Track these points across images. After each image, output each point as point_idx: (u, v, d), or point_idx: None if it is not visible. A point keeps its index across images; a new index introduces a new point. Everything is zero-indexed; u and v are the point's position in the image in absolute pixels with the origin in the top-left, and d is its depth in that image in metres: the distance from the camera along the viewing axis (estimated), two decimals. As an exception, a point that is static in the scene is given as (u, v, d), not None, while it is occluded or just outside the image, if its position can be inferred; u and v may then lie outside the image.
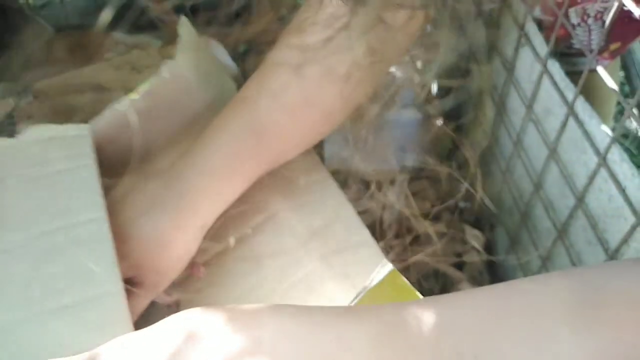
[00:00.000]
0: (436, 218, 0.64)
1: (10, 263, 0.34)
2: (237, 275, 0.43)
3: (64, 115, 0.55)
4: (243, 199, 0.45)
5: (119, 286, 0.34)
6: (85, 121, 0.45)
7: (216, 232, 0.44)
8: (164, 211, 0.40)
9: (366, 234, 0.44)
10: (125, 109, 0.44)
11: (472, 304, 0.25)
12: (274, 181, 0.47)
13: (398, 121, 0.66)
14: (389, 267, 0.29)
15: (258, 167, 0.44)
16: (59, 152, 0.40)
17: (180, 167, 0.41)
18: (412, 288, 0.31)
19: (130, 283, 0.38)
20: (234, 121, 0.42)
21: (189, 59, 0.47)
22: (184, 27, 0.48)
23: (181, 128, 0.48)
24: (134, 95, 0.44)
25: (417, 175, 0.64)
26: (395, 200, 0.65)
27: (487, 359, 0.23)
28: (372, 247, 0.43)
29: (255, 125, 0.42)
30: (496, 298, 0.25)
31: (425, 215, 0.61)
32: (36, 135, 0.41)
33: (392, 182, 0.65)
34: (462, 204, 0.71)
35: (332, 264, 0.42)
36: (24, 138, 0.41)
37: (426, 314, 0.25)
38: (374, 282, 0.29)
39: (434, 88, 0.78)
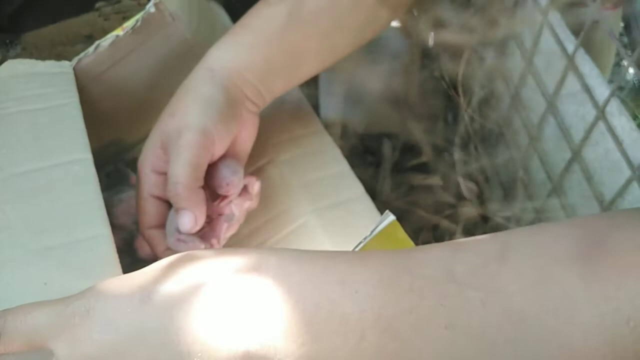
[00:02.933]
0: (431, 170, 0.65)
1: None
2: None
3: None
4: None
5: (106, 229, 0.32)
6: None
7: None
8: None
9: (360, 189, 0.44)
10: (109, 46, 0.43)
11: (477, 248, 0.25)
12: (267, 134, 0.46)
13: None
14: (391, 217, 0.29)
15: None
16: (39, 89, 0.37)
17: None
18: (411, 241, 0.31)
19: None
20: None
21: None
22: None
23: (170, 63, 0.47)
24: (118, 32, 0.43)
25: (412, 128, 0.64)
26: (390, 153, 0.65)
27: (492, 300, 0.23)
28: (365, 203, 0.43)
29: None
30: (500, 243, 0.25)
31: (420, 168, 0.61)
32: (14, 70, 0.38)
33: (387, 135, 0.65)
34: (456, 156, 0.70)
35: (325, 218, 0.42)
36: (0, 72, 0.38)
37: (431, 258, 0.24)
38: (375, 233, 0.29)
39: (431, 41, 0.76)
